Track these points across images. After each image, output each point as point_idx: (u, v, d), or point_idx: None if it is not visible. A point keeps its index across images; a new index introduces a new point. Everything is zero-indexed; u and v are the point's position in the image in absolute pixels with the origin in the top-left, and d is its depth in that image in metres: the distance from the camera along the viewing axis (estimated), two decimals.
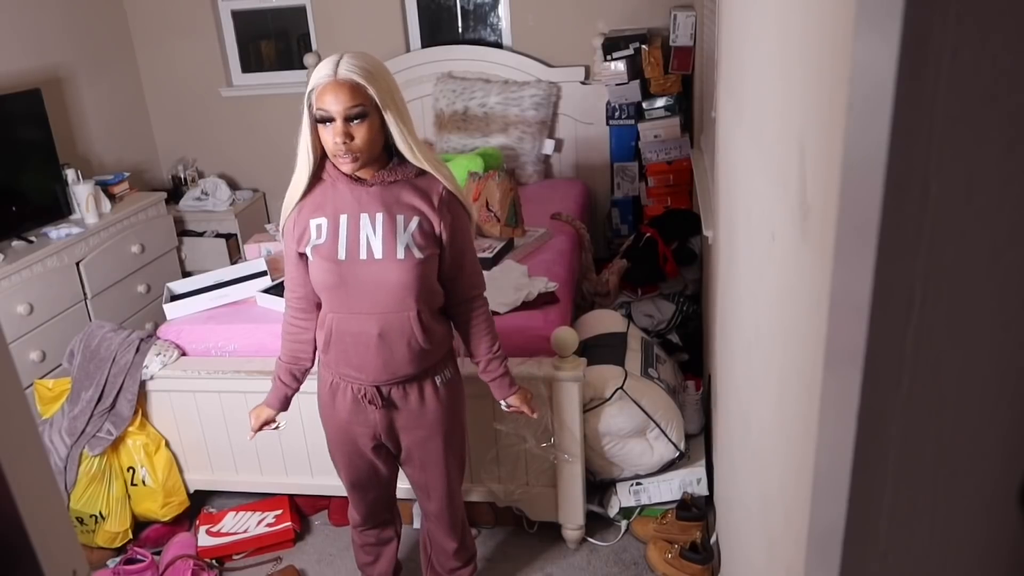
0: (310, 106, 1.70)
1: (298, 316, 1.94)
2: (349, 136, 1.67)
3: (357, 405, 1.89)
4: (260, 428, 2.05)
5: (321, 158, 1.79)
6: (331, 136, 1.68)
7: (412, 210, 1.77)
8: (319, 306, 1.89)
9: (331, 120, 1.67)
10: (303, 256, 1.84)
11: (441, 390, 1.91)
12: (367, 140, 1.69)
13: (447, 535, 2.13)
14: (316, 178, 1.80)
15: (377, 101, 1.68)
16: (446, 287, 1.88)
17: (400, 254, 1.74)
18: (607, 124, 4.01)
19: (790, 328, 1.04)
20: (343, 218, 1.76)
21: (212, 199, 4.42)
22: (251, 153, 4.67)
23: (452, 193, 1.81)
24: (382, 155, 1.77)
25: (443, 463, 1.99)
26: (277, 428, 2.08)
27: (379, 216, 1.75)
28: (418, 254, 1.76)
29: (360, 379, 1.84)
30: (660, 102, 3.82)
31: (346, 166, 1.72)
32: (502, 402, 2.07)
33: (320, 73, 1.68)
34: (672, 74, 3.78)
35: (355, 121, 1.67)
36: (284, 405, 2.04)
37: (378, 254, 1.75)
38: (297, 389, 2.03)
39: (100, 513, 2.59)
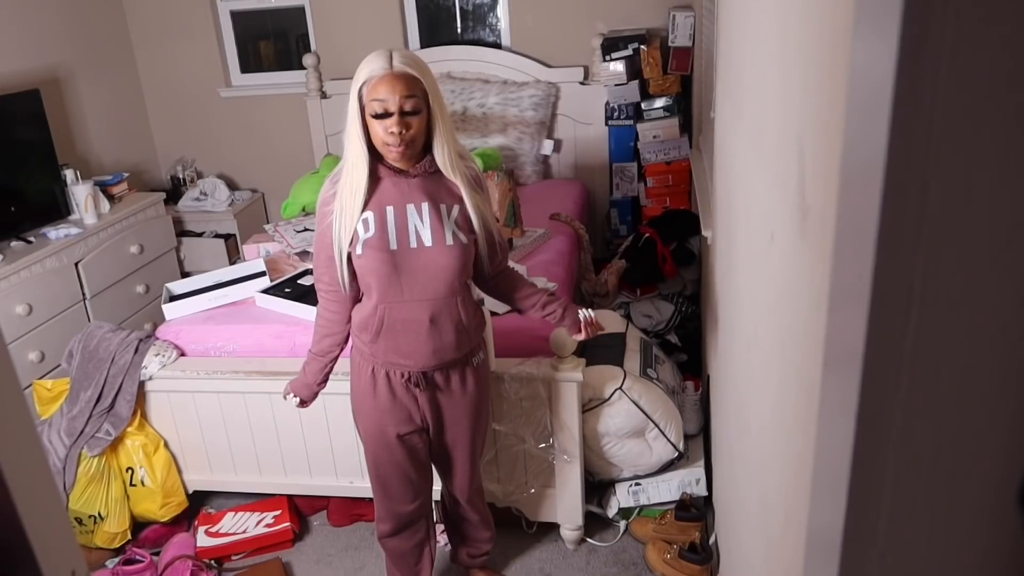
0: (360, 98, 1.70)
1: (331, 307, 1.94)
2: (406, 127, 1.69)
3: (400, 391, 1.92)
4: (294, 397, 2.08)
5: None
6: (388, 127, 1.69)
7: (454, 197, 1.83)
8: (352, 299, 1.91)
9: (390, 113, 1.68)
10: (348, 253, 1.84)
11: (479, 370, 2.00)
12: (420, 131, 1.72)
13: (471, 507, 2.21)
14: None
15: (428, 93, 1.71)
16: (481, 264, 1.94)
17: (449, 240, 1.80)
18: (606, 124, 4.01)
19: (789, 328, 1.04)
20: (389, 209, 1.79)
21: (211, 199, 4.42)
22: (250, 153, 4.67)
23: (479, 172, 1.89)
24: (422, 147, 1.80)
25: (471, 439, 2.07)
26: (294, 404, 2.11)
27: (425, 206, 1.79)
28: (464, 239, 1.82)
29: (407, 365, 1.89)
30: (659, 103, 3.82)
31: (395, 154, 1.74)
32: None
33: (373, 66, 1.68)
34: (671, 75, 3.78)
35: (410, 113, 1.69)
36: (314, 395, 2.06)
37: (428, 242, 1.79)
38: (324, 386, 2.06)
39: (99, 513, 2.59)
